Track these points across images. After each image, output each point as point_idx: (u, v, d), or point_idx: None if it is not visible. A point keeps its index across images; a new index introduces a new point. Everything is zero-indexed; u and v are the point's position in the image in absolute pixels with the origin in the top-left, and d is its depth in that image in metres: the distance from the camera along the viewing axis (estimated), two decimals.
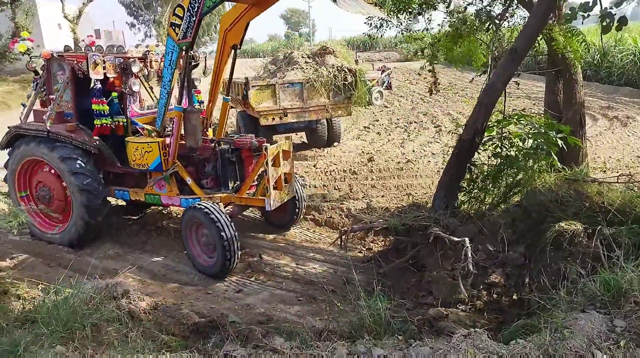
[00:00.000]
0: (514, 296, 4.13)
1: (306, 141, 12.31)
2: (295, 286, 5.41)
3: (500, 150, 5.52)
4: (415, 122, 14.78)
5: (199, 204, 5.52)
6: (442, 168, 7.53)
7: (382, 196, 8.25)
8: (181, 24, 5.22)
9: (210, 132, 6.88)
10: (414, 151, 11.31)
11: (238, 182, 6.32)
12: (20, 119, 6.60)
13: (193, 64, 6.20)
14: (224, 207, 6.03)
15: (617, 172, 7.11)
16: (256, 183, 6.27)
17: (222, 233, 5.25)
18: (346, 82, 10.33)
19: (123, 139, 6.22)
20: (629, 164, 9.27)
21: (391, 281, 5.05)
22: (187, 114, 5.75)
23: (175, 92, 5.90)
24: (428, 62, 7.01)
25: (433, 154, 10.91)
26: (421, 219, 5.18)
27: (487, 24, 6.14)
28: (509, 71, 5.05)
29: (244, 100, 9.85)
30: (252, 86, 9.69)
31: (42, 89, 6.53)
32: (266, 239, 6.72)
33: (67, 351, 3.02)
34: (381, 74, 19.75)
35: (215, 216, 5.29)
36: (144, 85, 6.93)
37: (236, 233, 5.39)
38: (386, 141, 12.57)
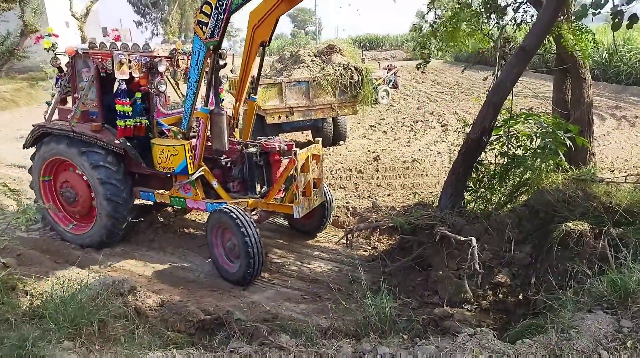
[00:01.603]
0: (520, 296, 4.11)
1: (312, 140, 12.29)
2: (301, 285, 5.42)
3: (507, 149, 5.49)
4: (421, 121, 14.73)
5: (229, 210, 5.30)
6: (448, 167, 7.49)
7: (388, 195, 8.24)
8: (209, 22, 5.00)
9: (237, 133, 6.61)
10: (420, 150, 11.28)
11: (265, 187, 6.07)
12: (45, 117, 6.50)
13: (221, 63, 5.77)
14: (251, 212, 5.81)
15: (625, 172, 7.05)
16: (284, 187, 5.99)
17: (250, 248, 5.10)
18: (352, 81, 10.31)
19: (148, 140, 6.06)
20: (636, 164, 9.18)
21: (397, 280, 5.05)
22: (214, 116, 5.56)
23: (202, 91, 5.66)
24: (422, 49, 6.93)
25: (439, 153, 10.88)
26: (427, 219, 5.17)
27: (489, 13, 6.07)
28: (518, 69, 5.01)
29: None
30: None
31: (66, 87, 6.40)
32: (271, 237, 6.73)
33: (74, 346, 3.05)
34: (387, 72, 19.68)
35: (245, 229, 5.11)
36: (170, 82, 6.69)
37: (263, 248, 5.27)
38: (392, 140, 12.54)
